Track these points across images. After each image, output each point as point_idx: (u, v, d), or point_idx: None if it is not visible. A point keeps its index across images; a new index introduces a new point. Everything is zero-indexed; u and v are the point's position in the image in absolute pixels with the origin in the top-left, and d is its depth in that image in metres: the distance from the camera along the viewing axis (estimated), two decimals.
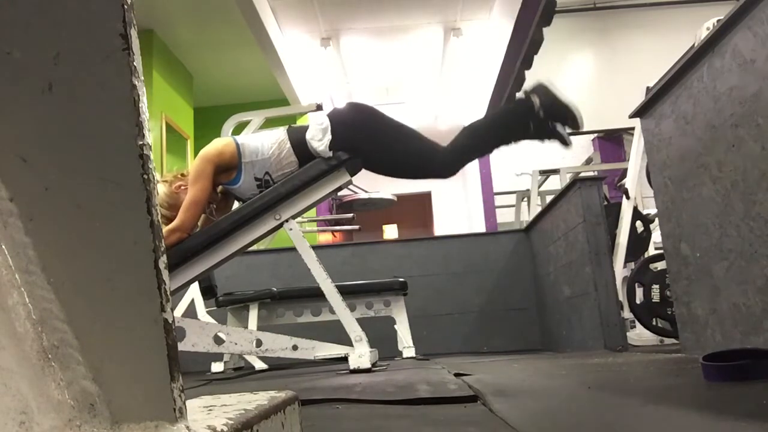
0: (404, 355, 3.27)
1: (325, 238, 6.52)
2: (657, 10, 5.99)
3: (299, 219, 3.99)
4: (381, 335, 3.26)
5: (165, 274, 0.42)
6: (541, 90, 2.20)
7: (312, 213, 5.63)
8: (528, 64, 4.98)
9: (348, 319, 2.28)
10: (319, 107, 4.07)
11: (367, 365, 2.19)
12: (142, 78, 0.43)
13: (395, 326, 3.36)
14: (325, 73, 6.67)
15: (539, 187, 5.72)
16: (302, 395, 0.80)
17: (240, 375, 2.97)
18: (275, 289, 3.31)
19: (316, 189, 2.29)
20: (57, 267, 0.42)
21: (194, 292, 3.52)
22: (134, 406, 0.41)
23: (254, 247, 3.04)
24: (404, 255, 4.34)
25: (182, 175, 2.40)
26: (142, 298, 0.41)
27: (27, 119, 0.42)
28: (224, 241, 2.24)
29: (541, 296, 4.07)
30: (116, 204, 0.42)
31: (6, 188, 0.42)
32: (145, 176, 0.42)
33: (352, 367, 2.19)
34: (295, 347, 2.27)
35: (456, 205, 8.90)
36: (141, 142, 0.42)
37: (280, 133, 2.33)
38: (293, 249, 2.33)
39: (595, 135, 6.63)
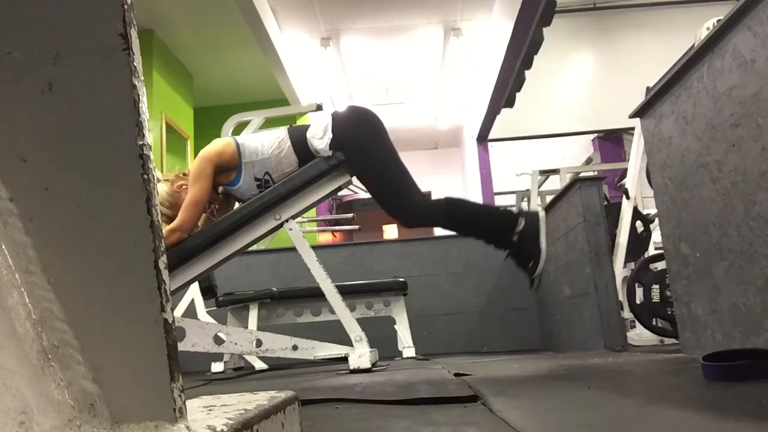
0: (404, 355, 3.27)
1: (325, 238, 6.53)
2: (657, 10, 5.99)
3: (299, 219, 3.98)
4: (381, 335, 3.26)
5: (165, 274, 0.42)
6: (532, 221, 2.11)
7: (312, 213, 5.63)
8: (528, 64, 4.98)
9: (348, 319, 2.28)
10: (319, 107, 4.07)
11: (367, 365, 2.19)
12: (142, 78, 0.43)
13: (395, 326, 3.36)
14: (325, 73, 6.67)
15: (539, 187, 5.72)
16: (302, 395, 0.80)
17: (240, 375, 2.97)
18: (275, 289, 3.31)
19: (316, 189, 2.29)
20: (57, 267, 0.42)
21: (194, 292, 3.52)
22: (134, 406, 0.41)
23: (254, 247, 3.04)
24: (404, 255, 4.34)
25: (184, 174, 2.40)
26: (142, 298, 0.41)
27: (27, 119, 0.42)
28: (224, 241, 2.24)
29: (541, 296, 4.07)
30: (116, 204, 0.42)
31: (6, 188, 0.42)
32: (145, 176, 0.42)
33: (352, 367, 2.19)
34: (295, 347, 2.27)
35: None
36: (141, 142, 0.42)
37: (280, 132, 2.33)
38: (293, 249, 2.33)
39: (595, 135, 6.64)
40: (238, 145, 2.29)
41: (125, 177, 0.42)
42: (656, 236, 3.20)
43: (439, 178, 9.11)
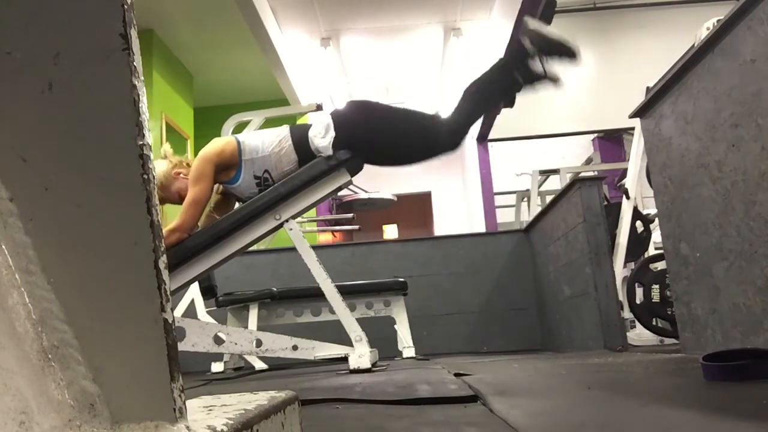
0: (404, 355, 3.27)
1: (325, 238, 6.52)
2: (657, 10, 5.99)
3: (299, 219, 3.99)
4: (381, 335, 3.26)
5: (165, 274, 0.42)
6: (532, 33, 2.19)
7: (312, 213, 5.63)
8: None
9: (348, 319, 2.27)
10: (319, 107, 4.07)
11: (367, 365, 2.19)
12: (142, 78, 0.43)
13: (395, 326, 3.36)
14: (325, 73, 6.67)
15: (539, 187, 5.72)
16: (302, 395, 0.80)
17: (240, 375, 2.97)
18: (275, 289, 3.31)
19: (316, 189, 2.29)
20: (57, 267, 0.42)
21: (194, 292, 3.52)
22: (134, 406, 0.41)
23: (254, 247, 3.04)
24: (404, 255, 4.34)
25: (187, 164, 2.41)
26: (142, 298, 0.41)
27: (27, 119, 0.42)
28: (224, 241, 2.24)
29: (541, 296, 4.07)
30: (116, 204, 0.42)
31: (6, 188, 0.42)
32: (145, 176, 0.42)
33: (352, 367, 2.19)
34: (295, 347, 2.27)
35: (456, 205, 8.90)
36: (141, 142, 0.42)
37: (281, 131, 2.33)
38: (293, 249, 2.33)
39: (595, 135, 6.63)
40: (238, 142, 2.29)
41: (125, 177, 0.42)
42: (656, 236, 3.20)
43: (439, 178, 9.12)
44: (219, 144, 2.29)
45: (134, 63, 0.42)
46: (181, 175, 2.37)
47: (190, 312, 3.49)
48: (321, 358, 2.27)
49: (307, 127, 2.32)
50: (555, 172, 5.55)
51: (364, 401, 1.18)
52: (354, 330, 2.25)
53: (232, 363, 3.45)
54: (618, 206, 3.26)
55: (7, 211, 0.42)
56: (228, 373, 3.23)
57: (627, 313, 3.02)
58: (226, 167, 2.28)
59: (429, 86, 7.39)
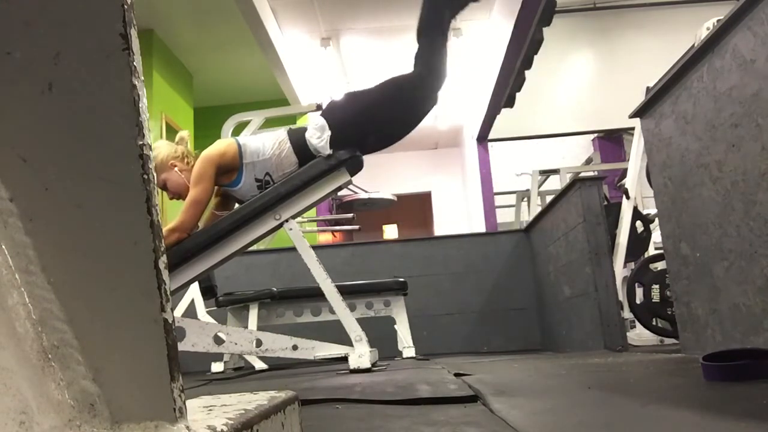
0: (404, 355, 3.27)
1: (325, 238, 6.52)
2: (657, 10, 5.99)
3: (299, 219, 3.99)
4: (381, 335, 3.26)
5: (165, 274, 0.42)
6: None
7: (312, 213, 5.63)
8: (528, 64, 4.98)
9: (348, 319, 2.28)
10: (319, 107, 4.07)
11: (367, 365, 2.19)
12: (142, 78, 0.43)
13: (395, 326, 3.36)
14: (325, 73, 6.67)
15: (539, 187, 5.72)
16: (302, 395, 0.80)
17: (240, 375, 2.97)
18: (275, 289, 3.31)
19: (316, 189, 2.29)
20: (57, 267, 0.42)
21: (194, 292, 3.52)
22: (134, 406, 0.41)
23: (254, 247, 3.04)
24: (404, 255, 4.34)
25: (187, 161, 2.41)
26: (142, 298, 0.41)
27: (27, 119, 0.42)
28: (224, 241, 2.24)
29: (541, 296, 4.07)
30: (116, 204, 0.42)
31: (6, 188, 0.42)
32: (145, 176, 0.42)
33: (352, 367, 2.19)
34: (295, 347, 2.27)
35: (456, 205, 8.90)
36: (141, 142, 0.42)
37: (280, 134, 2.34)
38: (293, 249, 2.33)
39: (595, 135, 6.64)
40: (239, 145, 2.30)
41: (125, 177, 0.42)
42: (656, 236, 3.20)
43: (439, 178, 9.13)
44: (221, 146, 2.30)
45: (134, 63, 0.42)
46: (176, 168, 2.37)
47: (190, 312, 3.49)
48: (321, 358, 2.27)
49: (304, 130, 2.34)
50: (555, 172, 5.55)
51: (364, 401, 1.18)
52: (354, 330, 2.25)
53: (232, 363, 3.45)
54: (618, 206, 3.26)
55: (7, 211, 0.42)
56: (228, 373, 3.23)
57: (627, 313, 3.02)
58: (228, 170, 2.29)
59: None
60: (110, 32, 0.41)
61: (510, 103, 5.60)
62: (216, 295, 3.38)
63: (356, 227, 5.02)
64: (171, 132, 5.78)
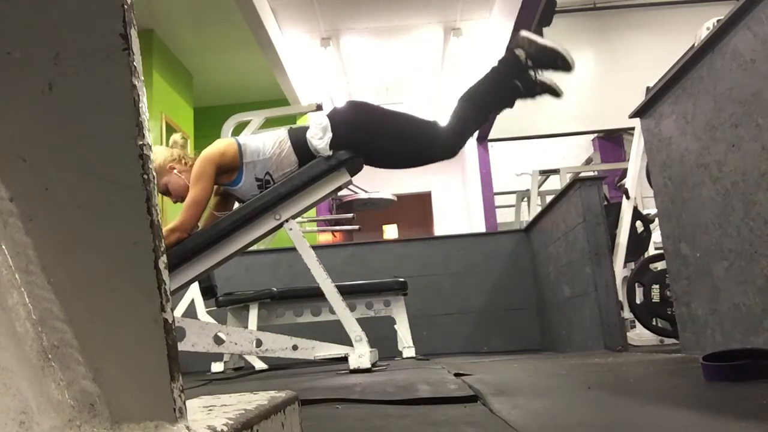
0: (404, 355, 3.27)
1: (325, 238, 6.52)
2: (657, 10, 5.99)
3: (299, 219, 3.99)
4: (381, 335, 3.26)
5: (165, 274, 0.42)
6: (524, 41, 2.21)
7: (312, 213, 5.63)
8: None
9: (348, 319, 2.28)
10: (319, 107, 4.07)
11: (367, 365, 2.19)
12: (142, 78, 0.43)
13: (395, 326, 3.36)
14: (325, 73, 6.67)
15: (539, 187, 5.73)
16: (302, 395, 0.80)
17: (240, 375, 2.97)
18: (275, 289, 3.31)
19: (316, 189, 2.29)
20: (57, 267, 0.42)
21: (194, 292, 3.52)
22: (134, 406, 0.41)
23: (254, 247, 3.04)
24: (404, 255, 4.34)
25: (185, 162, 2.40)
26: (142, 298, 0.41)
27: (27, 119, 0.42)
28: (224, 241, 2.24)
29: (541, 296, 4.07)
30: (116, 204, 0.42)
31: (6, 188, 0.42)
32: (145, 176, 0.42)
33: (352, 367, 2.19)
34: (295, 347, 2.27)
35: (456, 205, 8.90)
36: (141, 142, 0.42)
37: (281, 133, 2.34)
38: (293, 249, 2.33)
39: (595, 135, 6.64)
40: (239, 145, 2.30)
41: (125, 177, 0.42)
42: (656, 236, 3.20)
43: (439, 178, 9.12)
44: (221, 145, 2.29)
45: (134, 63, 0.42)
46: (175, 171, 2.37)
47: (190, 312, 3.49)
48: (321, 358, 2.27)
49: (305, 129, 2.33)
50: (555, 172, 5.55)
51: (364, 401, 1.18)
52: (354, 330, 2.25)
53: (232, 363, 3.45)
54: (618, 206, 3.26)
55: (7, 211, 0.42)
56: (228, 373, 3.23)
57: (627, 313, 3.02)
58: (228, 169, 2.28)
59: (429, 86, 7.38)
60: (110, 32, 0.41)
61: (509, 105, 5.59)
62: (216, 295, 3.38)
63: (356, 227, 5.02)
64: (171, 132, 5.78)
